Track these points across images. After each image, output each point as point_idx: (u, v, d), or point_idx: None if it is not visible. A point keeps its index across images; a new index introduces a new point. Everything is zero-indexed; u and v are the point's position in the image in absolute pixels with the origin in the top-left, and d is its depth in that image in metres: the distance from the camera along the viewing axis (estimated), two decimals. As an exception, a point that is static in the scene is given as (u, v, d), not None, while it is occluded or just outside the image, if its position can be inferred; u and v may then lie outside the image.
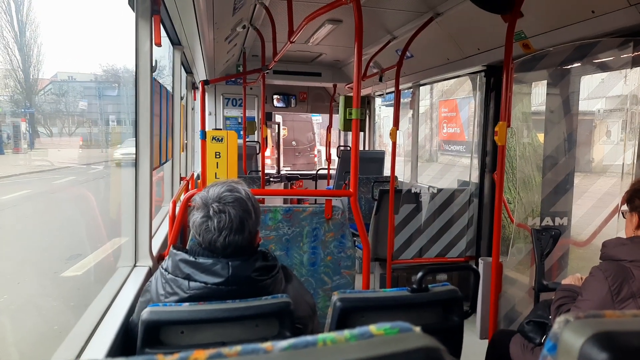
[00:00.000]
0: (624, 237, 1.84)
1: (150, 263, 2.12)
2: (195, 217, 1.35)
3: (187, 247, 1.42)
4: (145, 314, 1.23)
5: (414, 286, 1.41)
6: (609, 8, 2.18)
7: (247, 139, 5.69)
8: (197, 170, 5.46)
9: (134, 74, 2.09)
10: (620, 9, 2.12)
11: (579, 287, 1.90)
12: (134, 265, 2.09)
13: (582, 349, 0.41)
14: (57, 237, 6.89)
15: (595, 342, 0.40)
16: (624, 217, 1.84)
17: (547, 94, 3.27)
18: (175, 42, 3.64)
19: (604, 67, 3.00)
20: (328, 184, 6.75)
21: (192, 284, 1.29)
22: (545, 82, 3.32)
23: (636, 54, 2.40)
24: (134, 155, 2.14)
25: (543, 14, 2.57)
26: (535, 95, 5.54)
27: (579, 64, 3.01)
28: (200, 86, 4.19)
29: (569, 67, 3.08)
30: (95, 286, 5.00)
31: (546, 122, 3.31)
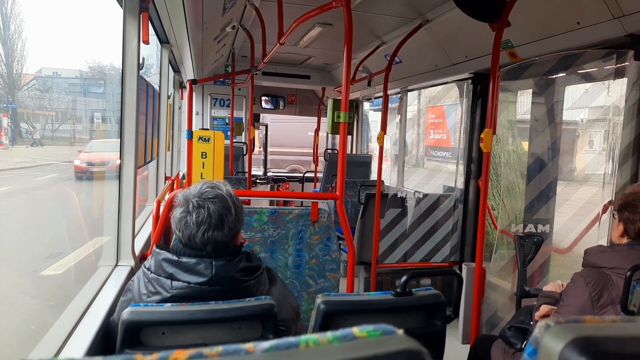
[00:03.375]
0: (605, 244, 1.87)
1: (132, 262, 2.08)
2: (176, 212, 1.37)
3: (170, 247, 1.40)
4: (126, 314, 1.21)
5: (398, 290, 1.41)
6: (593, 20, 2.23)
7: (234, 140, 5.66)
8: (183, 170, 5.42)
9: (121, 71, 2.07)
10: (604, 21, 2.17)
11: (560, 294, 1.93)
12: (116, 265, 2.06)
13: (561, 354, 0.41)
14: (38, 235, 6.76)
15: (575, 347, 0.41)
16: (614, 218, 1.87)
17: (532, 102, 3.32)
18: (164, 41, 3.60)
19: (588, 78, 3.06)
20: (315, 187, 6.74)
21: (175, 283, 1.28)
22: (530, 90, 3.37)
23: (619, 65, 2.45)
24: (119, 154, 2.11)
25: (530, 24, 2.61)
26: (521, 103, 5.63)
27: (564, 74, 3.06)
28: (187, 85, 4.15)
29: (554, 76, 3.13)
30: (75, 285, 4.92)
31: (531, 131, 3.35)
